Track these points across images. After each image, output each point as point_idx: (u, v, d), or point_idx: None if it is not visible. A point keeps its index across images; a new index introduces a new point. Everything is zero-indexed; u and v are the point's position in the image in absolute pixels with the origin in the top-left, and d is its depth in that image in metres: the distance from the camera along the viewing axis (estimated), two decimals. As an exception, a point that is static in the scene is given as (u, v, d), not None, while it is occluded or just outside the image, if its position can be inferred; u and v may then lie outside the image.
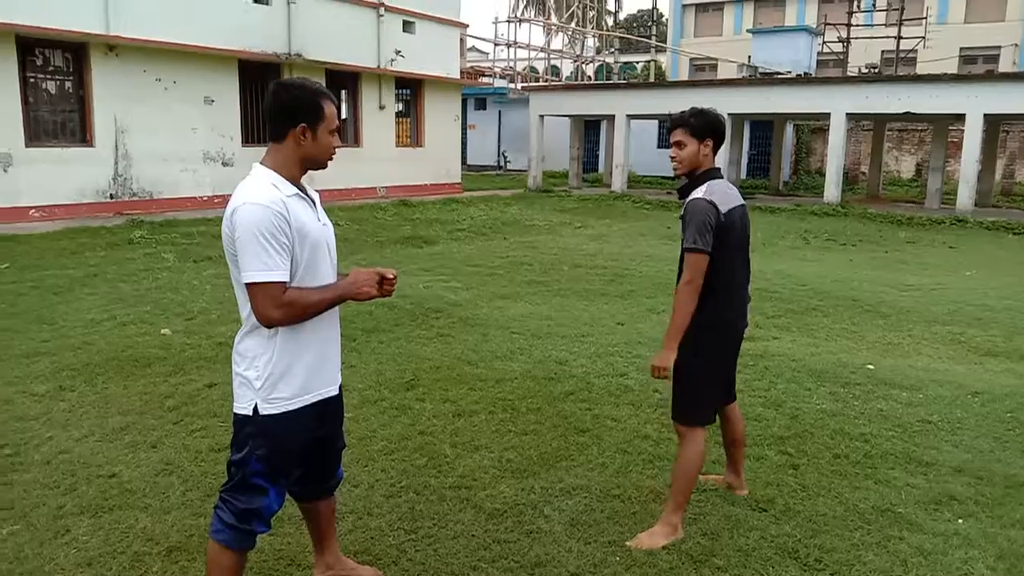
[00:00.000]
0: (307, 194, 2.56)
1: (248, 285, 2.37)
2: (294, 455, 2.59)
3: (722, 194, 3.29)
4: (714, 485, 3.86)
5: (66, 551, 3.19)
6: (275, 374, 2.47)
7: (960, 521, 3.61)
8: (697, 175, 3.35)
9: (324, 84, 15.13)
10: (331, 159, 2.58)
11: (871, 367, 6.02)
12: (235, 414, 2.54)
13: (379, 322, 7.00)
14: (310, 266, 2.47)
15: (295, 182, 2.51)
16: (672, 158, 3.37)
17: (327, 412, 2.67)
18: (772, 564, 3.21)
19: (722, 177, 3.39)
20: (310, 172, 2.56)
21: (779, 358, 6.16)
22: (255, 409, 2.47)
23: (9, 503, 3.58)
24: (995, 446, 4.52)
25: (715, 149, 3.37)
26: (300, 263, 2.44)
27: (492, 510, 3.59)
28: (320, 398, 2.60)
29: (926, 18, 31.43)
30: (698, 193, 3.26)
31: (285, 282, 2.38)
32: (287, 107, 2.45)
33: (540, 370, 5.72)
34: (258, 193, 2.38)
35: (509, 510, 3.62)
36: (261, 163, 2.51)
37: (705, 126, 3.30)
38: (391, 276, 2.54)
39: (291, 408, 2.50)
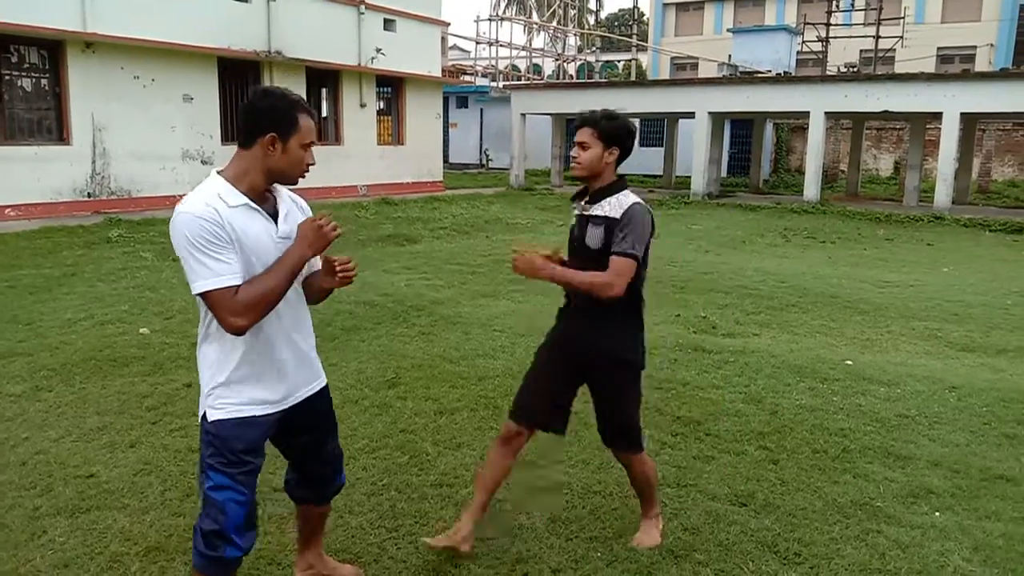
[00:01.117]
0: (269, 205, 2.41)
1: (200, 296, 2.25)
2: (243, 462, 2.42)
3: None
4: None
5: (42, 552, 3.16)
6: (224, 382, 2.38)
7: (937, 514, 3.66)
8: (611, 184, 3.05)
9: (304, 82, 14.99)
10: (303, 175, 2.42)
11: (850, 363, 6.07)
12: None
13: (360, 321, 6.98)
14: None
15: (255, 193, 2.35)
16: (573, 158, 3.05)
17: (298, 420, 2.57)
18: (752, 558, 3.23)
19: None
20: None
21: (759, 354, 6.20)
22: (204, 415, 2.41)
23: (-16, 505, 3.54)
24: (971, 440, 4.58)
25: (619, 160, 3.06)
26: (246, 270, 2.30)
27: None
28: (275, 409, 2.49)
29: (904, 18, 31.78)
30: (635, 198, 3.03)
31: (237, 285, 2.24)
32: (260, 113, 2.33)
33: (522, 368, 5.67)
34: (192, 203, 2.25)
35: (491, 508, 3.61)
36: (219, 171, 2.37)
37: (614, 133, 3.00)
38: (343, 260, 2.45)
39: (240, 415, 2.40)
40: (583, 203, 3.11)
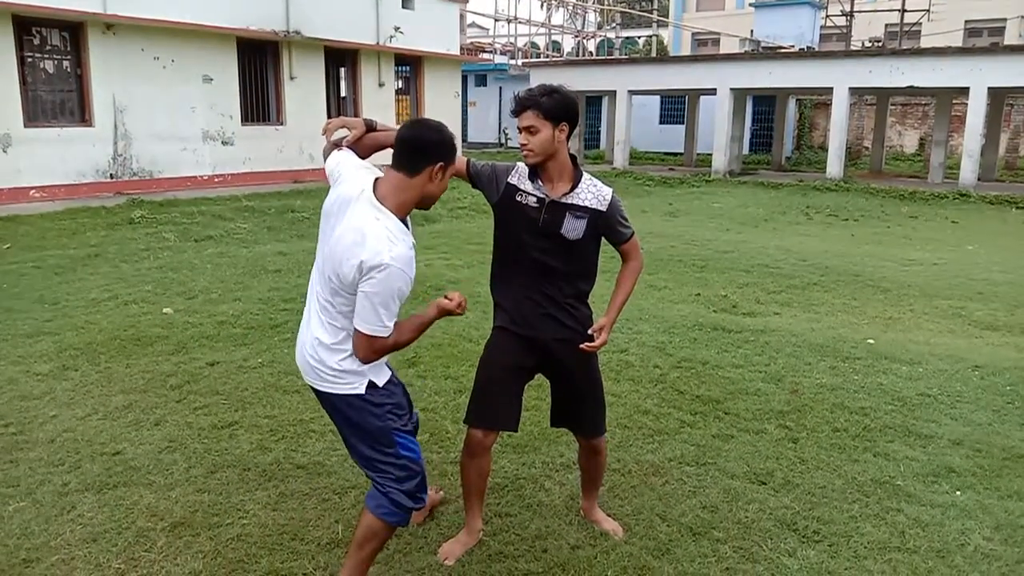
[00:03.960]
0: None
1: (358, 331, 2.47)
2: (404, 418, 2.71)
3: None
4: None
5: (72, 527, 3.23)
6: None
7: (958, 493, 3.64)
8: (576, 168, 2.97)
9: (323, 61, 15.03)
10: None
11: (871, 342, 6.03)
12: (347, 400, 2.59)
13: (380, 300, 7.01)
14: None
15: (403, 215, 2.55)
16: (523, 145, 2.88)
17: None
18: (771, 536, 3.24)
19: None
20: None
21: (780, 333, 6.17)
22: (369, 387, 2.58)
23: (15, 480, 3.62)
24: (994, 419, 4.54)
25: (569, 135, 2.91)
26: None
27: (493, 484, 3.61)
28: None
29: (930, -10, 31.08)
30: (602, 184, 3.00)
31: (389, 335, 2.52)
32: (435, 143, 2.52)
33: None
34: (402, 254, 2.42)
35: (510, 484, 3.65)
36: (381, 199, 2.51)
37: (559, 108, 2.82)
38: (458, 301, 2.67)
39: (389, 375, 2.69)
40: (544, 186, 2.93)
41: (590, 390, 3.15)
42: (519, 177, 2.99)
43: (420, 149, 2.52)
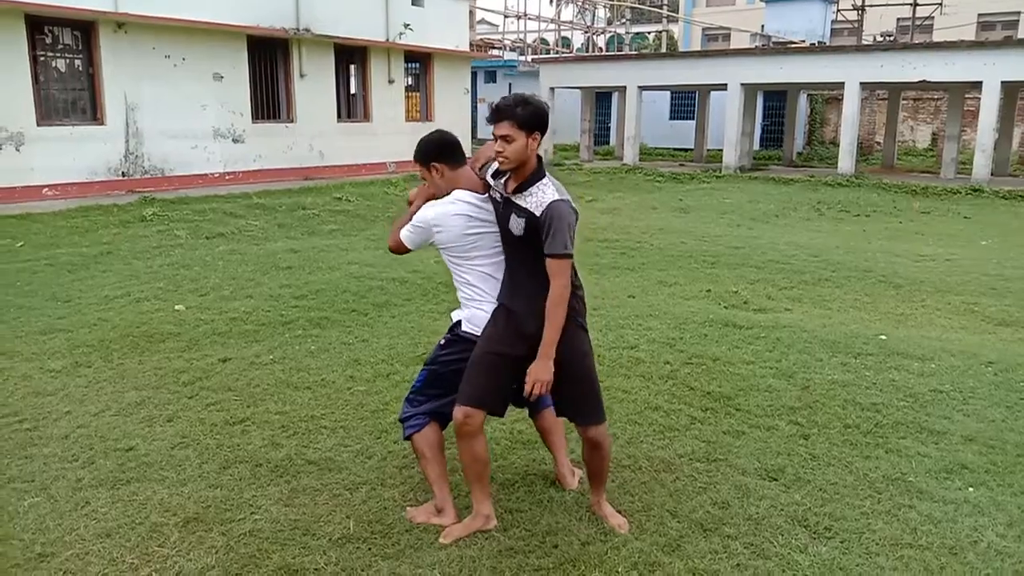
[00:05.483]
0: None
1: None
2: None
3: (564, 191, 3.08)
4: None
5: (86, 522, 3.26)
6: None
7: (970, 489, 3.62)
8: (534, 172, 3.04)
9: (333, 58, 15.32)
10: None
11: (883, 337, 6.00)
12: None
13: (391, 297, 7.03)
14: None
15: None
16: (499, 153, 3.00)
17: None
18: (782, 532, 3.23)
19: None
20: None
21: (791, 329, 6.15)
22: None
23: (30, 476, 3.65)
24: (1007, 415, 4.51)
25: (539, 143, 3.04)
26: None
27: (504, 480, 3.63)
28: None
29: (943, -16, 30.85)
30: (552, 193, 3.00)
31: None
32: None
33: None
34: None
35: (520, 480, 3.65)
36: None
37: (533, 118, 2.97)
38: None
39: None
40: (504, 184, 3.07)
41: (578, 377, 3.15)
42: (490, 173, 3.19)
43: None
